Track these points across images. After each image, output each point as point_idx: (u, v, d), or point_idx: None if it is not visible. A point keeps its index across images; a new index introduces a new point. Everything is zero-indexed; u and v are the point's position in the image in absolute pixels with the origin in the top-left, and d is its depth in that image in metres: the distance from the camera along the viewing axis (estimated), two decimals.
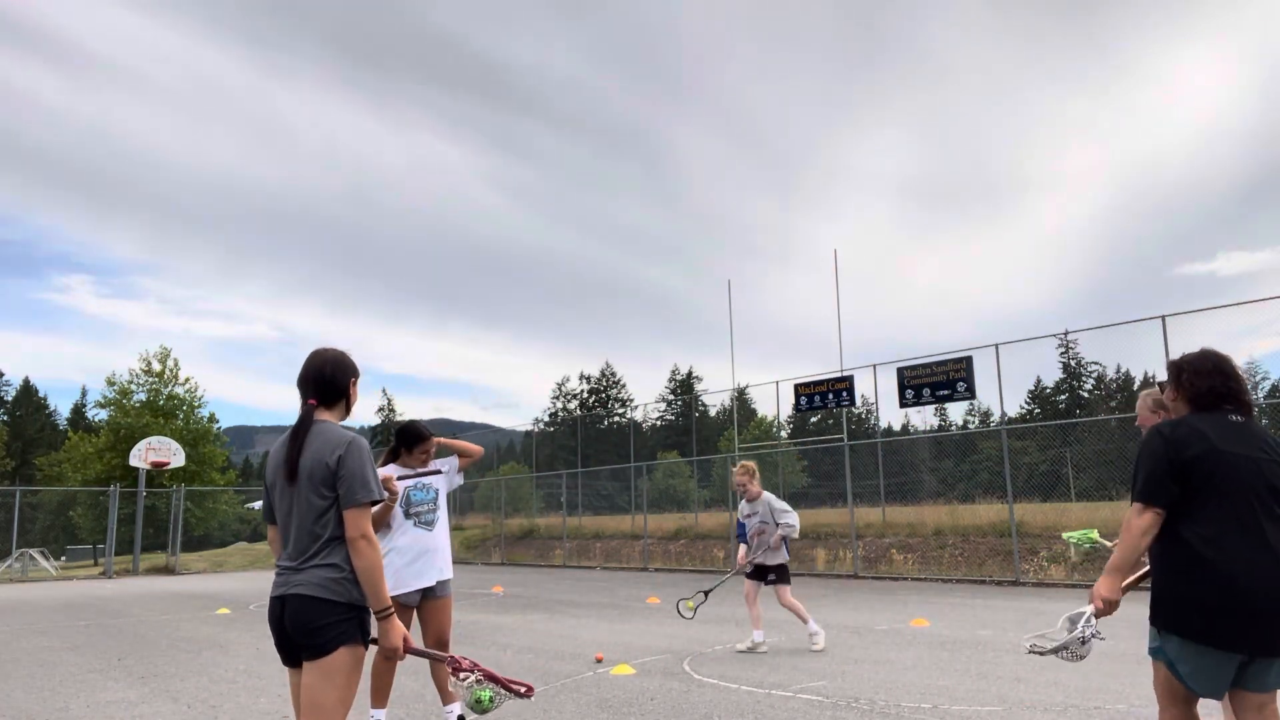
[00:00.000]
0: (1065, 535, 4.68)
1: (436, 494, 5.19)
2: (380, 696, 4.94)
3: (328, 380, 3.06)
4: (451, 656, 3.06)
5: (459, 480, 5.37)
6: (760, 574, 8.24)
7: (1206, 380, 3.05)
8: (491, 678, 3.01)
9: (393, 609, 2.86)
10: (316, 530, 2.88)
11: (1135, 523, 2.91)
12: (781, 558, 8.19)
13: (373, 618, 2.95)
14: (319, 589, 2.82)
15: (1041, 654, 3.23)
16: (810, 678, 6.63)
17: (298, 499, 2.92)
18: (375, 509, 4.77)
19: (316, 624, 2.80)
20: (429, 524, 5.06)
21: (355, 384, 3.16)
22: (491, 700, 3.01)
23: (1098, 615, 3.05)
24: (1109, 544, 4.48)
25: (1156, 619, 2.90)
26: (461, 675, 3.02)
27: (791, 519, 8.13)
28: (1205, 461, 2.85)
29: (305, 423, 2.99)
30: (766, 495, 8.29)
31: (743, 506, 8.47)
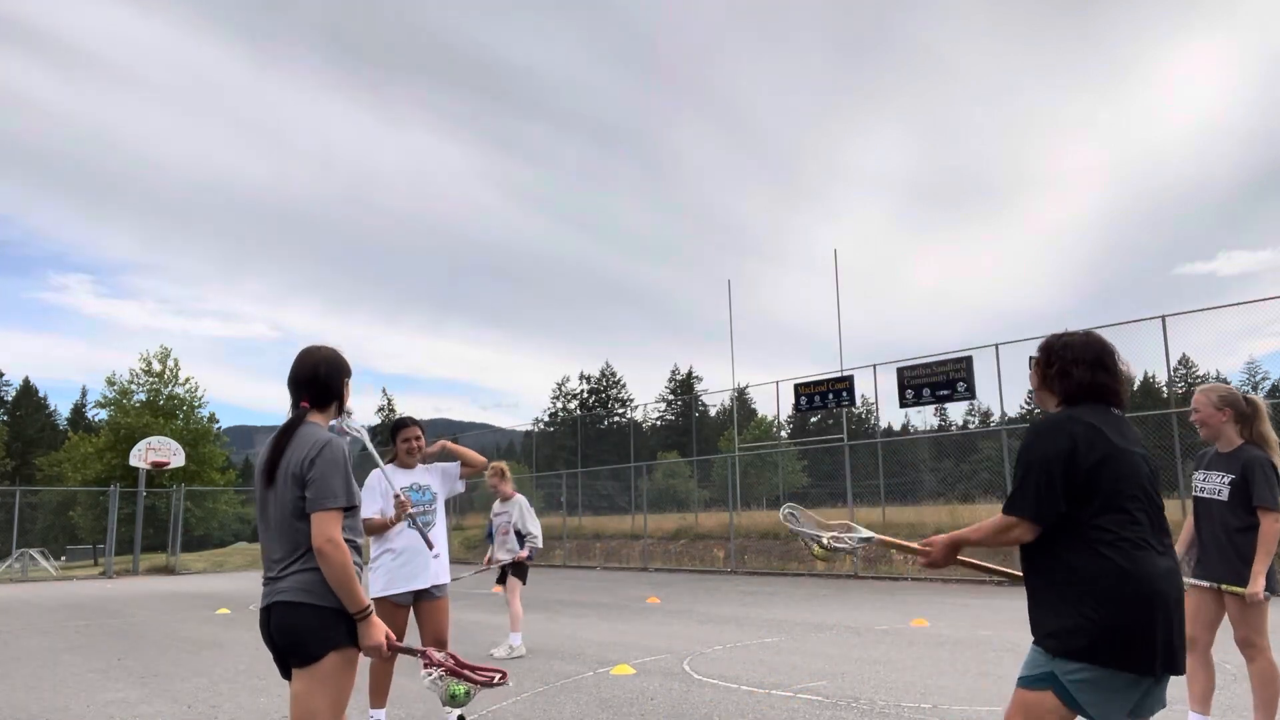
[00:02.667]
0: None
1: (434, 496, 5.14)
2: (379, 696, 4.93)
3: (322, 381, 2.95)
4: (424, 651, 2.97)
5: (460, 487, 5.30)
6: (505, 574, 8.55)
7: (1088, 373, 2.65)
8: (456, 673, 2.91)
9: (371, 609, 2.77)
10: (296, 536, 2.77)
11: (1008, 532, 2.55)
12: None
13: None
14: (302, 594, 2.71)
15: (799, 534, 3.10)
16: (810, 678, 6.63)
17: (276, 503, 2.80)
18: (388, 518, 4.76)
19: (302, 630, 2.70)
20: (425, 526, 5.02)
21: (348, 383, 3.05)
22: (467, 694, 2.95)
23: (916, 556, 2.79)
24: None
25: (1051, 643, 2.46)
26: (425, 671, 2.94)
27: (538, 532, 8.54)
28: (1110, 465, 2.49)
29: (293, 425, 2.87)
30: (519, 498, 8.62)
31: (496, 505, 8.69)
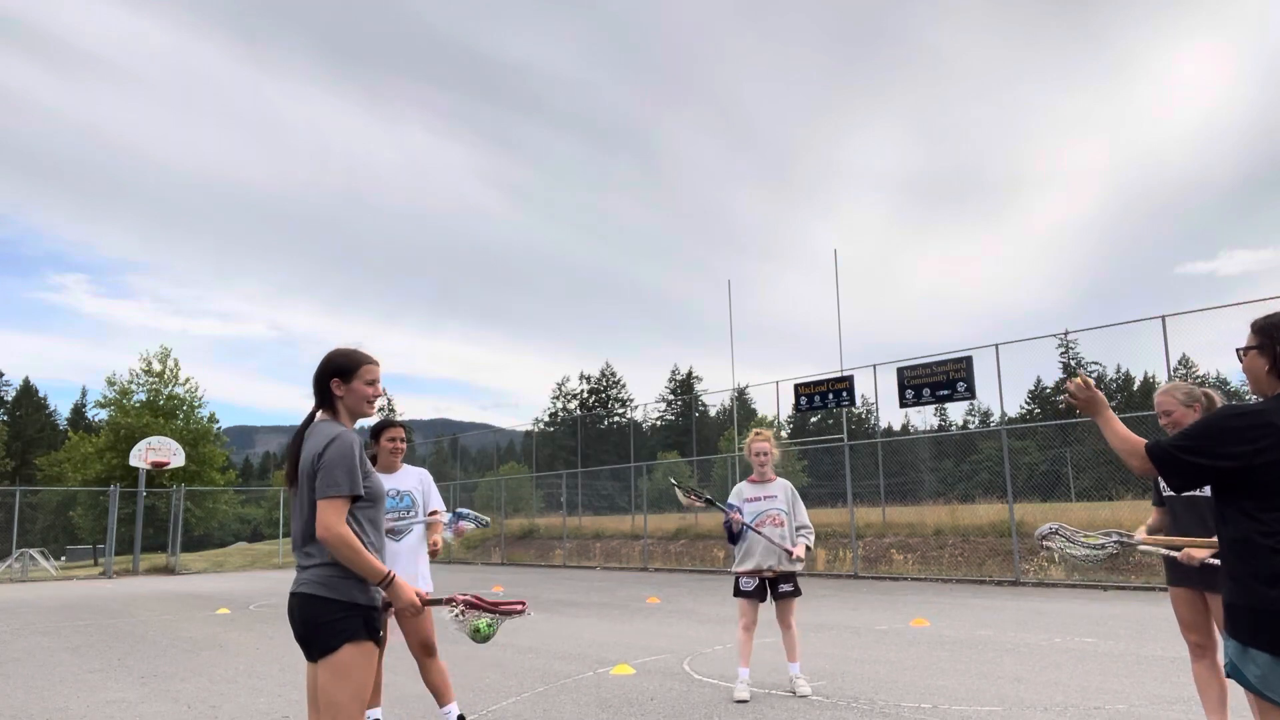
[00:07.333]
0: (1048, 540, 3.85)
1: (413, 504, 4.99)
2: (374, 694, 4.88)
3: (316, 381, 3.10)
4: (450, 598, 3.13)
5: (435, 501, 5.17)
6: (764, 588, 6.26)
7: None
8: (476, 606, 3.08)
9: (393, 575, 2.91)
10: (313, 527, 2.95)
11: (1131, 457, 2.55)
12: (797, 564, 6.29)
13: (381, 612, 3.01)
14: (320, 587, 2.87)
15: (1052, 544, 3.07)
16: (810, 678, 6.63)
17: (300, 499, 3.01)
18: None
19: (317, 622, 2.85)
20: (396, 534, 4.86)
21: (339, 382, 3.02)
22: (490, 626, 3.10)
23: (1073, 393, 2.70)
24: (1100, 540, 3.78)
25: (1250, 635, 2.43)
26: (449, 610, 3.12)
27: (810, 525, 6.41)
28: None
29: (303, 426, 3.07)
30: (783, 480, 6.43)
31: (745, 488, 6.37)
